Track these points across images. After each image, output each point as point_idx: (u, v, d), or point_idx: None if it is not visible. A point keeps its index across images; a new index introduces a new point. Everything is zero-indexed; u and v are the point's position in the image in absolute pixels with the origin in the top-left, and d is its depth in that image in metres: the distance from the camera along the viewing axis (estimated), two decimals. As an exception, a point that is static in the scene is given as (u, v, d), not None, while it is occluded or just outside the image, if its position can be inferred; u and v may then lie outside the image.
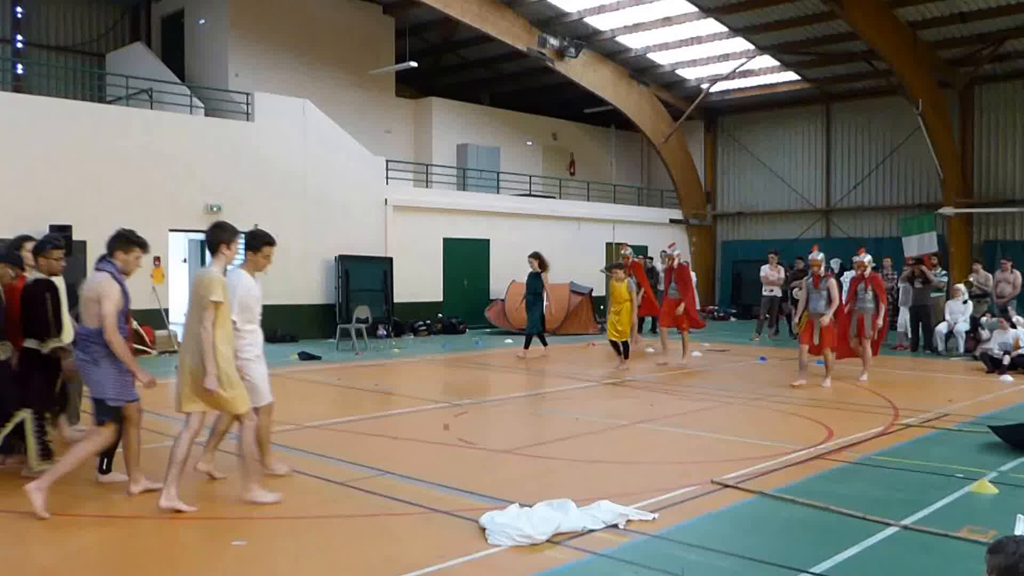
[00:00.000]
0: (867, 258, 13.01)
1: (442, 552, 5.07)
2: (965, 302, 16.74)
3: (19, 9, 22.38)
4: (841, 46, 23.58)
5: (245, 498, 6.09)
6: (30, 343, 6.79)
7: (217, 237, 6.14)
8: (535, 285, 15.94)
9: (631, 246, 18.40)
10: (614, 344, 14.35)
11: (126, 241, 6.25)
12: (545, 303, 16.09)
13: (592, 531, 5.42)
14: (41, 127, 15.74)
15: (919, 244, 21.75)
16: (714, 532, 5.55)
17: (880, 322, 12.89)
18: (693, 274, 23.25)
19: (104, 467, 6.75)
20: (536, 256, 16.19)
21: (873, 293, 12.85)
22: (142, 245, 6.35)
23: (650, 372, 13.79)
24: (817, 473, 7.07)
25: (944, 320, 16.82)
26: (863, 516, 5.73)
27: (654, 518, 5.68)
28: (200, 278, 6.00)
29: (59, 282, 7.15)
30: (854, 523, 5.66)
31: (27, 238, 7.65)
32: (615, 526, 5.51)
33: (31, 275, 7.12)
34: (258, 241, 6.51)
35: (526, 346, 15.78)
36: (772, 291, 19.63)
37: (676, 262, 15.35)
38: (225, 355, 5.96)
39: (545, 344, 16.21)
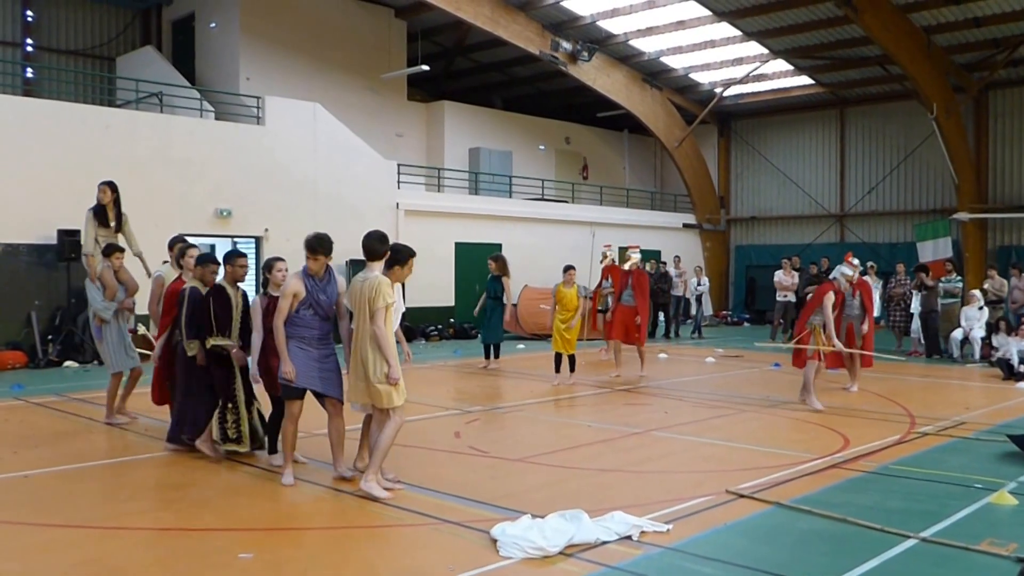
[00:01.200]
0: (855, 262, 12.58)
1: (452, 564, 4.97)
2: (981, 308, 16.54)
3: (29, 13, 22.47)
4: (855, 51, 23.50)
5: (361, 487, 6.42)
6: (220, 340, 7.60)
7: (386, 249, 6.62)
8: (495, 289, 14.83)
9: (613, 247, 17.21)
10: (558, 357, 12.89)
11: (310, 247, 6.81)
12: (506, 310, 14.97)
13: (605, 543, 5.32)
14: (51, 131, 15.76)
15: (934, 250, 21.66)
16: (730, 544, 5.43)
17: (865, 328, 12.41)
18: (706, 279, 23.36)
19: (271, 449, 7.59)
20: (496, 258, 15.01)
21: (860, 300, 12.51)
22: (323, 252, 6.83)
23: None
24: (834, 483, 6.95)
25: (960, 326, 16.64)
26: (881, 528, 5.61)
27: (668, 529, 5.57)
28: (368, 283, 6.42)
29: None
30: (872, 535, 5.54)
31: (186, 241, 8.80)
32: (629, 538, 5.40)
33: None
34: (403, 256, 6.85)
35: (491, 356, 15.00)
36: (786, 296, 19.50)
37: (630, 265, 14.12)
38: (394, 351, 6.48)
39: (497, 356, 15.09)
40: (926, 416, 10.10)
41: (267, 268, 7.59)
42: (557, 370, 12.96)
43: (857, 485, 6.92)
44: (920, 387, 13.24)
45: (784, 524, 5.85)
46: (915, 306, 17.54)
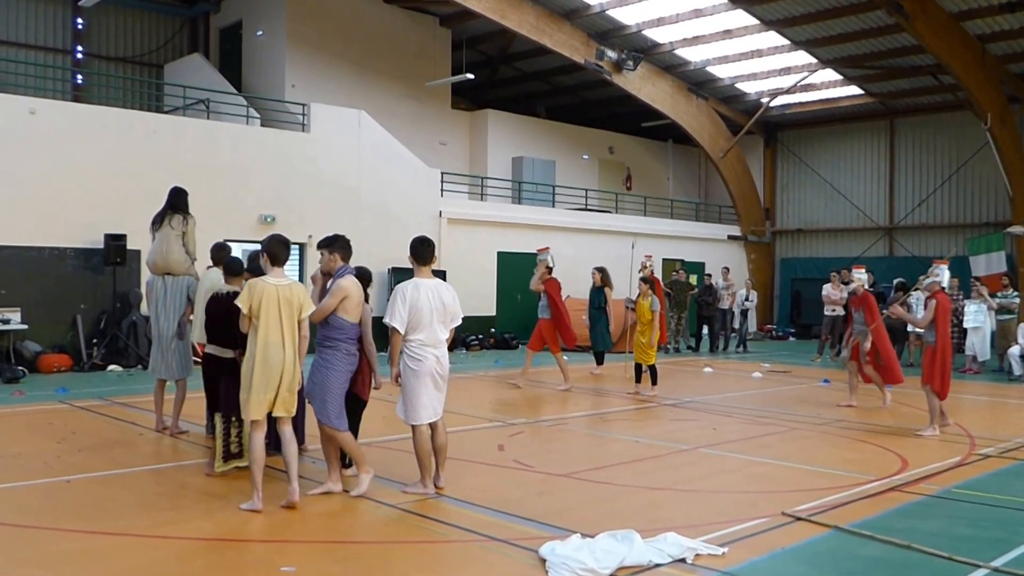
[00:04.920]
0: (863, 276, 12.10)
1: (500, 585, 4.82)
2: (1039, 325, 16.06)
3: (79, 20, 22.75)
4: (906, 60, 23.08)
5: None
6: (211, 349, 7.38)
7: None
8: (598, 299, 15.63)
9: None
10: (639, 368, 13.15)
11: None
12: (611, 320, 15.64)
13: (658, 566, 5.10)
14: (99, 136, 15.87)
15: (987, 264, 21.10)
16: (788, 570, 5.20)
17: (867, 345, 11.79)
18: (754, 292, 22.94)
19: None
20: (599, 270, 15.72)
21: (862, 315, 11.91)
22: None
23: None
24: (894, 507, 6.67)
25: (1017, 343, 16.14)
26: (949, 556, 5.32)
27: (724, 552, 5.34)
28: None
29: None
30: (939, 564, 5.26)
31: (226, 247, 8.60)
32: (682, 560, 5.19)
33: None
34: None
35: (598, 363, 15.74)
36: (835, 311, 19.11)
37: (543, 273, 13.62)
38: None
39: (600, 363, 15.87)
40: (986, 437, 9.75)
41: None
42: (637, 380, 13.20)
43: (919, 509, 6.64)
44: (977, 406, 12.83)
45: (845, 550, 5.58)
46: (970, 321, 17.05)
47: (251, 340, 6.19)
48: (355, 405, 7.13)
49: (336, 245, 6.87)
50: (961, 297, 17.60)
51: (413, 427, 6.69)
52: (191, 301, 9.11)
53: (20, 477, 7.08)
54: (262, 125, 19.10)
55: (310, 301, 6.38)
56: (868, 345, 11.78)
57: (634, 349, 13.28)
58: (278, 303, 6.16)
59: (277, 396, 6.24)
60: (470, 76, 22.74)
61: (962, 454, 8.75)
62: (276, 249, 6.35)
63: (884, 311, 19.27)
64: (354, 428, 7.15)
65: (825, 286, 19.44)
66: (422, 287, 6.66)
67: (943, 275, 10.44)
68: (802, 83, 25.51)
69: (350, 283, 6.63)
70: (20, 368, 13.79)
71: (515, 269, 22.00)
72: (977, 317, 16.83)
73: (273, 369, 6.18)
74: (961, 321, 17.35)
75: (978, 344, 16.96)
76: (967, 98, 22.11)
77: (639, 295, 13.14)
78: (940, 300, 10.06)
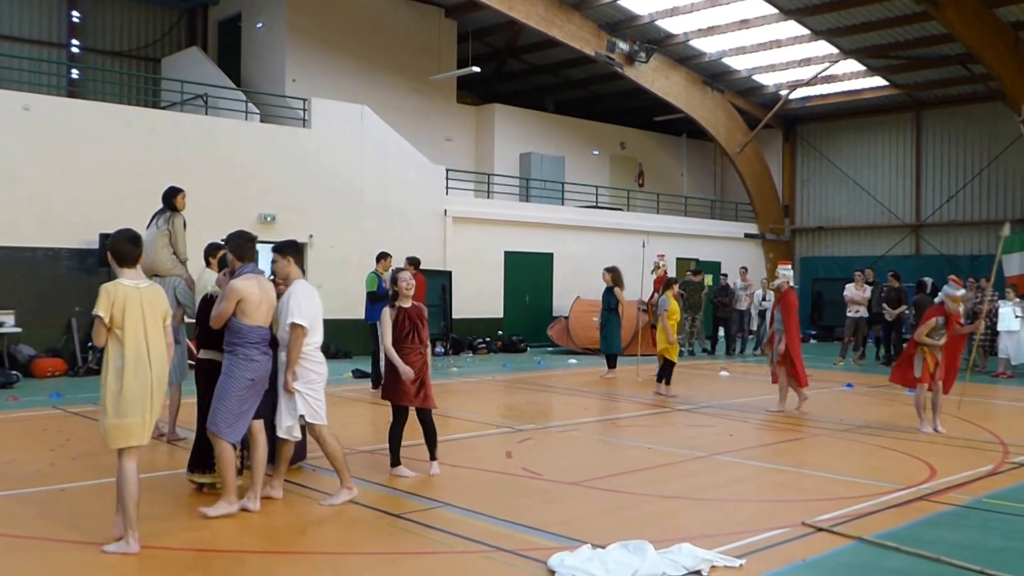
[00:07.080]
0: (788, 272, 11.49)
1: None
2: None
3: (75, 13, 22.59)
4: (934, 49, 22.55)
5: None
6: (208, 355, 6.69)
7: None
8: (609, 301, 15.30)
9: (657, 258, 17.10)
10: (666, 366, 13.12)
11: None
12: (621, 321, 15.33)
13: None
14: (94, 133, 15.70)
15: (1020, 263, 20.30)
16: (810, 582, 4.93)
17: (781, 347, 11.22)
18: (771, 293, 22.15)
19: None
20: (610, 270, 15.34)
21: (779, 315, 11.26)
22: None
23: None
24: (922, 517, 6.39)
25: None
26: (980, 570, 5.10)
27: (741, 565, 5.18)
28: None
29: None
30: (971, 578, 5.02)
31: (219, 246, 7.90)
32: (697, 573, 5.06)
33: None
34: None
35: (609, 366, 15.40)
36: (858, 312, 18.46)
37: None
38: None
39: (613, 366, 15.45)
40: (1021, 444, 9.27)
41: (394, 281, 7.37)
42: (659, 380, 13.06)
43: (949, 520, 6.39)
44: (1010, 412, 12.39)
45: (869, 562, 5.37)
46: (1004, 324, 16.28)
47: (115, 354, 5.32)
48: (421, 416, 7.44)
49: (230, 243, 6.48)
50: (996, 298, 16.85)
51: (319, 428, 6.53)
52: (180, 303, 8.88)
53: (13, 486, 6.98)
54: (262, 121, 18.76)
55: (168, 305, 5.70)
56: (781, 347, 11.27)
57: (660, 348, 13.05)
58: (141, 308, 5.39)
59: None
60: (476, 69, 22.45)
61: (995, 462, 8.36)
62: (122, 247, 5.49)
63: (909, 310, 18.67)
64: (429, 435, 7.49)
65: (848, 286, 18.86)
66: (312, 287, 6.51)
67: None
68: (823, 74, 24.97)
69: (242, 284, 6.14)
70: (14, 373, 13.63)
71: (523, 269, 21.80)
72: (1011, 320, 16.10)
73: (146, 386, 5.41)
74: (994, 323, 16.63)
75: (1011, 347, 16.33)
76: (999, 89, 21.58)
77: (663, 292, 13.05)
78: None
